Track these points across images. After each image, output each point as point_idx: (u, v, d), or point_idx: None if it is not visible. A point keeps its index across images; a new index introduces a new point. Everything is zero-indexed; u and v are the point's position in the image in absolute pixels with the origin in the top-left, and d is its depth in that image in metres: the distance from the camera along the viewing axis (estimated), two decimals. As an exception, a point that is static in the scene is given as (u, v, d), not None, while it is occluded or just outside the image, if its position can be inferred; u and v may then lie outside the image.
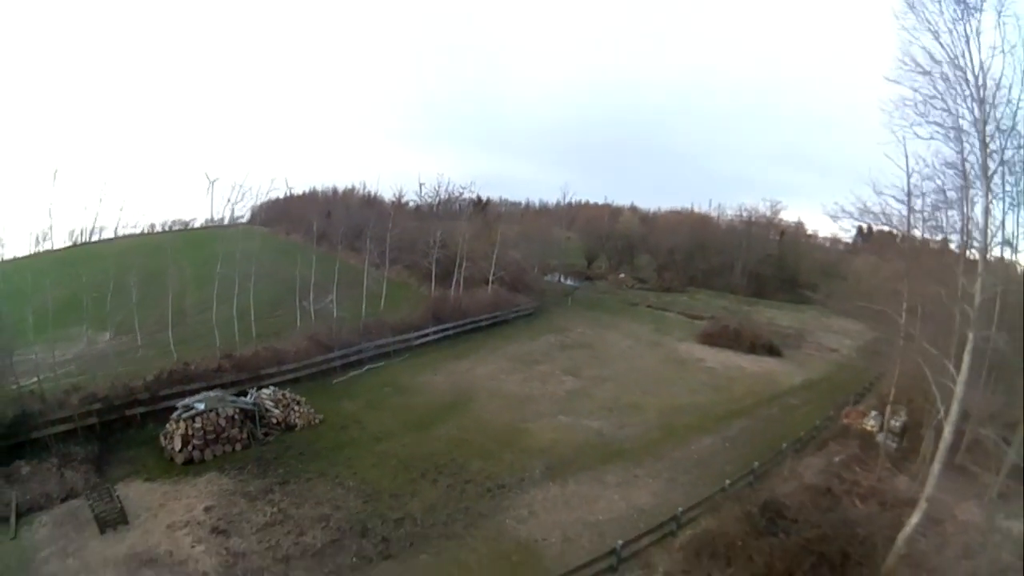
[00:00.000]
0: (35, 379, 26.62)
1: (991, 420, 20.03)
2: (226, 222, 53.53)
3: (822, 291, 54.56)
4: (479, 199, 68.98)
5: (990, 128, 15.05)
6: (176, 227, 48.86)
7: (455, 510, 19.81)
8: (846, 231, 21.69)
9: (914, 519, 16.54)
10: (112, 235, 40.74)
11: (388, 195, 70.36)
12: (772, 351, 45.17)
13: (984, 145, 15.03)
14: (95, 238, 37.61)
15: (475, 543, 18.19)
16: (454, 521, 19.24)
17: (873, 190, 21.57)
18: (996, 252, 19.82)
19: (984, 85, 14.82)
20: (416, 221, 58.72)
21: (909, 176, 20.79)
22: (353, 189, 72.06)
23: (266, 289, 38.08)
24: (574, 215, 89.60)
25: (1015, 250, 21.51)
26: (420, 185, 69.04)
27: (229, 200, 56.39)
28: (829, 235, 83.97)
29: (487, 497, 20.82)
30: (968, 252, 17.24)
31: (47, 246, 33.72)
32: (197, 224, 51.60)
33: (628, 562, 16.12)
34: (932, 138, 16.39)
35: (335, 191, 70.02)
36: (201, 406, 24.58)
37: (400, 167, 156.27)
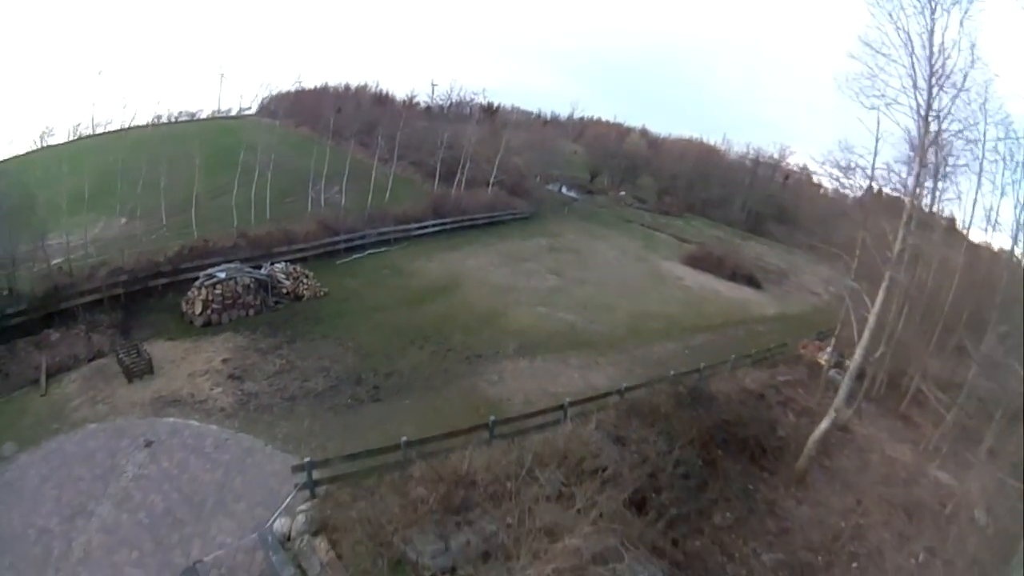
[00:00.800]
0: (61, 259, 28.69)
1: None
2: (233, 113, 54.28)
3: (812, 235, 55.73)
4: (489, 105, 69.89)
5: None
6: (183, 118, 48.95)
7: (437, 370, 23.07)
8: (852, 186, 22.99)
9: (823, 424, 19.72)
10: (117, 127, 41.40)
11: (400, 94, 70.71)
12: (752, 282, 47.13)
13: (924, 121, 17.61)
14: (99, 131, 37.37)
15: (450, 395, 21.46)
16: (435, 378, 22.50)
17: (840, 147, 23.49)
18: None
19: (930, 71, 17.23)
20: (426, 122, 60.00)
21: (877, 140, 22.72)
22: (365, 86, 70.87)
23: (277, 178, 40.02)
24: (582, 129, 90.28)
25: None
26: (432, 87, 68.93)
27: (238, 92, 56.72)
28: (832, 187, 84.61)
29: (465, 363, 23.99)
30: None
31: (51, 141, 34.08)
32: (204, 115, 52.02)
33: (572, 417, 19.25)
34: (873, 108, 18.77)
35: (347, 87, 68.83)
36: (222, 275, 27.49)
37: (414, 68, 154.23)
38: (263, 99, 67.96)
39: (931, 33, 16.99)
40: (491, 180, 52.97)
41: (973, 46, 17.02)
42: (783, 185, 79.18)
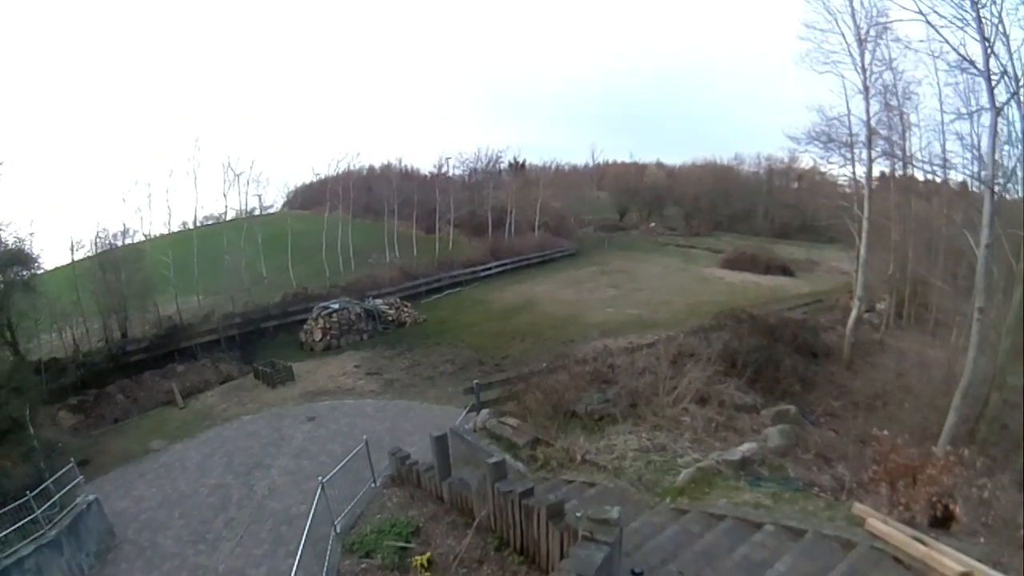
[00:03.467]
0: (173, 312, 33.92)
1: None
2: (257, 211, 54.65)
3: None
4: (516, 161, 75.34)
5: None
6: (208, 221, 50.85)
7: (541, 351, 27.43)
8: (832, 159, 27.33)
9: (853, 312, 24.28)
10: (143, 237, 42.17)
11: (427, 166, 76.06)
12: (785, 271, 50.69)
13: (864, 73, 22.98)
14: (125, 241, 37.76)
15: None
16: (541, 355, 26.69)
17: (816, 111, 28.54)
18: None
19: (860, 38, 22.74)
20: (465, 187, 64.46)
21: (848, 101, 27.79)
22: (390, 165, 73.77)
23: (340, 252, 45.72)
24: (602, 173, 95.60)
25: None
26: (449, 159, 71.41)
27: (254, 191, 58.46)
28: (847, 177, 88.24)
29: (562, 345, 28.27)
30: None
31: (79, 253, 37.22)
32: (229, 217, 51.61)
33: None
34: (826, 72, 24.28)
35: (371, 168, 72.41)
36: (335, 305, 32.83)
37: (431, 141, 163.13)
38: (288, 193, 74.41)
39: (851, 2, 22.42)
40: (536, 223, 58.34)
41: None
42: (798, 186, 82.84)
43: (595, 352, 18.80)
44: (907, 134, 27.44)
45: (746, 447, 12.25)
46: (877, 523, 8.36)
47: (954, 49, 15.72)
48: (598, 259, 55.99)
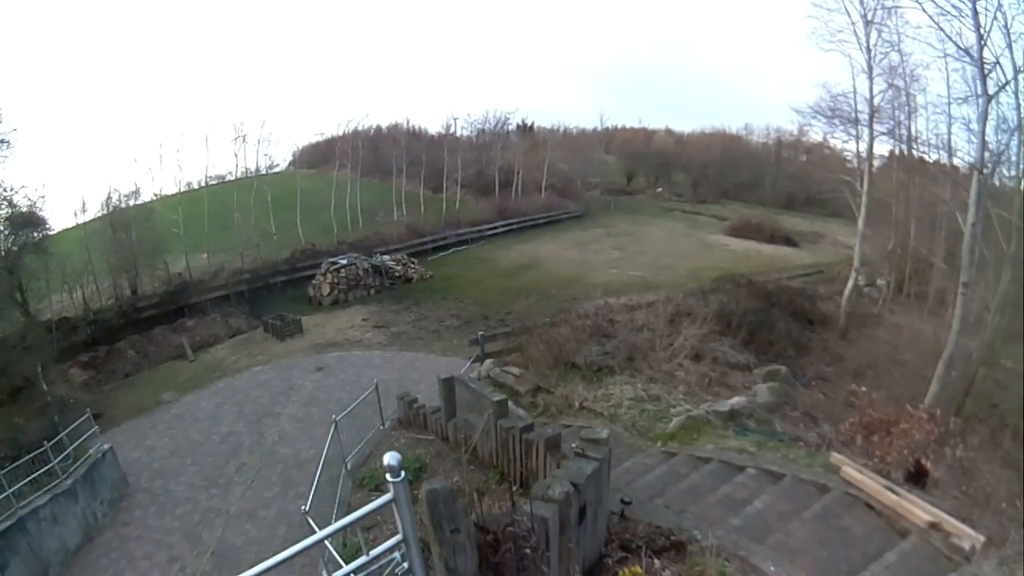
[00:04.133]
0: (182, 269, 34.64)
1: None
2: (264, 171, 54.93)
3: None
4: (525, 123, 75.14)
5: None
6: (216, 181, 50.17)
7: (545, 308, 28.03)
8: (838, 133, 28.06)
9: (849, 284, 24.90)
10: (153, 196, 42.83)
11: (435, 127, 75.68)
12: (789, 242, 50.88)
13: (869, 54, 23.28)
14: (135, 201, 38.24)
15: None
16: (545, 312, 27.36)
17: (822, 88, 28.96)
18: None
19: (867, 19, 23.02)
20: (472, 147, 64.66)
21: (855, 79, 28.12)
22: (398, 125, 73.61)
23: (349, 211, 46.05)
24: (611, 137, 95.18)
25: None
26: (456, 119, 70.75)
27: (264, 151, 57.22)
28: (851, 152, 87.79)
29: (565, 303, 28.77)
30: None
31: (90, 214, 36.93)
32: (236, 176, 52.72)
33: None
34: (831, 50, 24.74)
35: (379, 128, 71.52)
36: (343, 261, 33.44)
37: (440, 102, 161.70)
38: (294, 152, 73.73)
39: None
40: (543, 185, 58.62)
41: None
42: (806, 159, 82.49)
43: (596, 308, 19.44)
44: (913, 115, 27.77)
45: (736, 400, 12.98)
46: (851, 471, 9.03)
47: (948, 38, 16.19)
48: (604, 222, 56.26)
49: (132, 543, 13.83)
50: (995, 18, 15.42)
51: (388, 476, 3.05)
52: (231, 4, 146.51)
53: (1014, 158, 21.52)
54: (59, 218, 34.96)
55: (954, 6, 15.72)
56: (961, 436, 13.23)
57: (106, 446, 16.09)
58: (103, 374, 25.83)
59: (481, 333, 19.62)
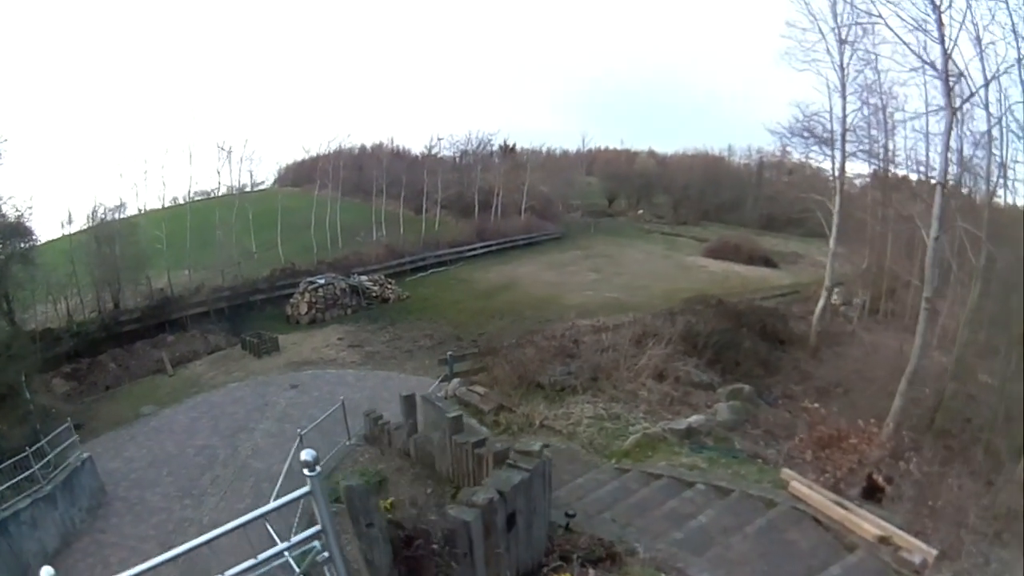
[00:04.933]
0: (164, 285, 34.62)
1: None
2: (248, 188, 54.00)
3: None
4: (507, 144, 75.41)
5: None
6: (200, 197, 49.65)
7: (518, 330, 28.04)
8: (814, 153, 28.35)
9: (820, 303, 25.16)
10: (137, 211, 42.33)
11: (418, 147, 74.09)
12: (768, 263, 51.60)
13: (842, 70, 23.76)
14: (120, 215, 38.14)
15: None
16: (516, 333, 27.49)
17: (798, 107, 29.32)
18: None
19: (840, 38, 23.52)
20: (453, 169, 65.03)
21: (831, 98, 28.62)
22: (381, 145, 72.99)
23: (328, 230, 46.23)
24: (593, 159, 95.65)
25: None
26: (441, 139, 70.49)
27: (247, 168, 57.10)
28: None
29: (539, 325, 28.66)
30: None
31: (75, 226, 36.12)
32: (223, 192, 51.06)
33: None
34: (804, 70, 25.16)
35: (362, 147, 70.85)
36: (321, 280, 33.58)
37: (424, 120, 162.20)
38: (279, 170, 73.47)
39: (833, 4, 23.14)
40: (523, 206, 59.00)
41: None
42: (788, 180, 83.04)
43: (564, 330, 19.59)
44: (890, 133, 28.24)
45: (694, 418, 13.14)
46: (800, 486, 9.15)
47: (912, 51, 16.45)
48: (583, 243, 56.59)
49: (108, 549, 14.00)
50: (962, 27, 15.72)
51: (305, 471, 3.19)
52: (217, 21, 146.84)
53: (981, 172, 21.99)
54: (45, 229, 34.70)
55: (918, 20, 15.94)
56: (915, 450, 13.43)
57: (85, 455, 16.44)
58: (85, 386, 26.19)
59: (450, 353, 19.74)
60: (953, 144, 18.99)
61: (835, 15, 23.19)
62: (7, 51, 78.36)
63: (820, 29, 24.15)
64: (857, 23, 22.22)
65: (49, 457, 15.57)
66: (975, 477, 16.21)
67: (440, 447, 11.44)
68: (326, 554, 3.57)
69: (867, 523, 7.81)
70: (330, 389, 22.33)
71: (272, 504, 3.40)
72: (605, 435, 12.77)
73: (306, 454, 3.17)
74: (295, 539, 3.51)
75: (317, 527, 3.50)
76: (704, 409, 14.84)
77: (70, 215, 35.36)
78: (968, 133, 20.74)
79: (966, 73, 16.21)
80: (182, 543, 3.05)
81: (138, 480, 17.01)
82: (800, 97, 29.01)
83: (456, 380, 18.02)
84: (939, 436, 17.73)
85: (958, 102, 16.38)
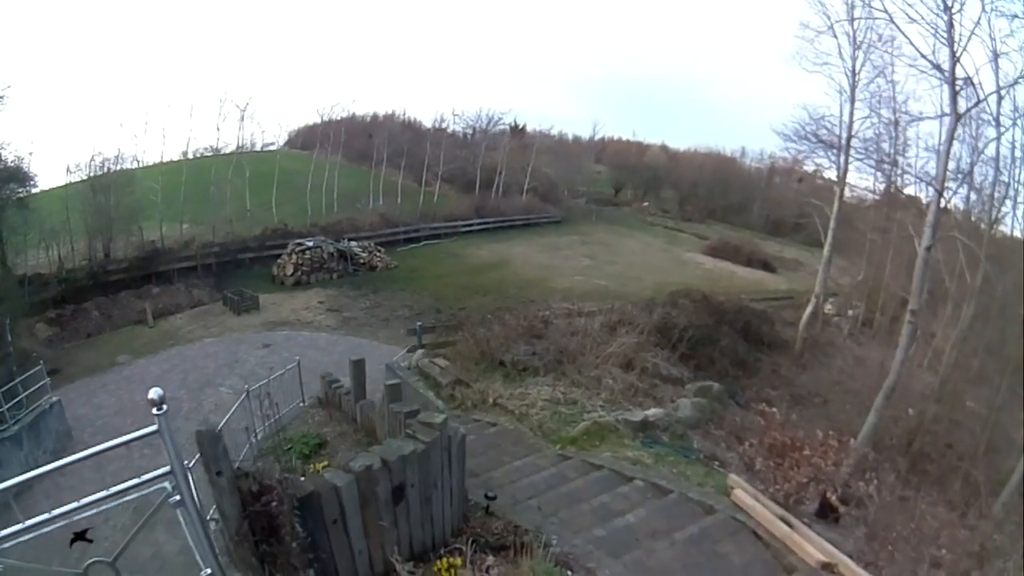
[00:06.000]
0: (156, 238, 34.20)
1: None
2: (258, 147, 53.70)
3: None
4: (516, 124, 74.51)
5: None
6: (207, 153, 47.56)
7: (499, 308, 27.83)
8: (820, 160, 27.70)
9: (808, 309, 24.57)
10: (137, 163, 40.37)
11: (427, 119, 73.23)
12: (766, 266, 50.95)
13: (853, 75, 22.98)
14: (119, 166, 36.59)
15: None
16: (499, 312, 27.30)
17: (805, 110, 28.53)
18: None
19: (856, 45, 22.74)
20: (457, 144, 63.65)
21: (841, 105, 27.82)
22: (393, 114, 72.88)
23: (324, 197, 45.26)
24: (603, 147, 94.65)
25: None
26: (455, 114, 70.87)
27: (258, 127, 56.40)
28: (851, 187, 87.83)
29: (521, 305, 28.21)
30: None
31: (74, 175, 36.01)
32: (228, 150, 48.97)
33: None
34: (815, 72, 24.33)
35: (375, 116, 70.93)
36: (309, 243, 33.09)
37: (439, 93, 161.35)
38: (290, 132, 71.22)
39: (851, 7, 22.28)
40: (525, 187, 58.27)
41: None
42: (798, 188, 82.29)
43: (537, 309, 19.04)
44: (898, 143, 27.41)
45: (652, 412, 12.63)
46: (743, 495, 8.58)
47: (920, 53, 15.76)
48: (583, 229, 56.05)
49: (65, 492, 13.56)
50: (973, 34, 14.99)
51: (153, 410, 3.30)
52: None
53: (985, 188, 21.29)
54: (46, 176, 34.06)
55: (928, 21, 15.20)
56: (880, 471, 12.90)
57: (54, 399, 16.87)
58: (67, 331, 26.17)
59: (420, 324, 19.28)
60: (961, 156, 18.42)
61: (851, 18, 22.33)
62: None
63: (834, 31, 23.30)
64: (869, 16, 21.35)
65: (21, 398, 15.81)
66: (950, 507, 15.78)
67: (380, 414, 11.04)
68: (177, 497, 3.61)
69: (812, 545, 7.23)
70: (300, 351, 21.97)
71: (117, 440, 3.40)
72: (557, 419, 12.26)
73: (153, 392, 3.26)
74: (145, 477, 3.56)
75: (166, 468, 3.56)
76: (668, 403, 14.32)
77: (70, 164, 34.75)
78: (975, 149, 20.15)
79: (976, 81, 15.48)
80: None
81: (104, 427, 17.20)
82: (811, 102, 27.82)
83: (420, 351, 17.54)
84: (917, 459, 17.28)
85: (963, 109, 15.68)
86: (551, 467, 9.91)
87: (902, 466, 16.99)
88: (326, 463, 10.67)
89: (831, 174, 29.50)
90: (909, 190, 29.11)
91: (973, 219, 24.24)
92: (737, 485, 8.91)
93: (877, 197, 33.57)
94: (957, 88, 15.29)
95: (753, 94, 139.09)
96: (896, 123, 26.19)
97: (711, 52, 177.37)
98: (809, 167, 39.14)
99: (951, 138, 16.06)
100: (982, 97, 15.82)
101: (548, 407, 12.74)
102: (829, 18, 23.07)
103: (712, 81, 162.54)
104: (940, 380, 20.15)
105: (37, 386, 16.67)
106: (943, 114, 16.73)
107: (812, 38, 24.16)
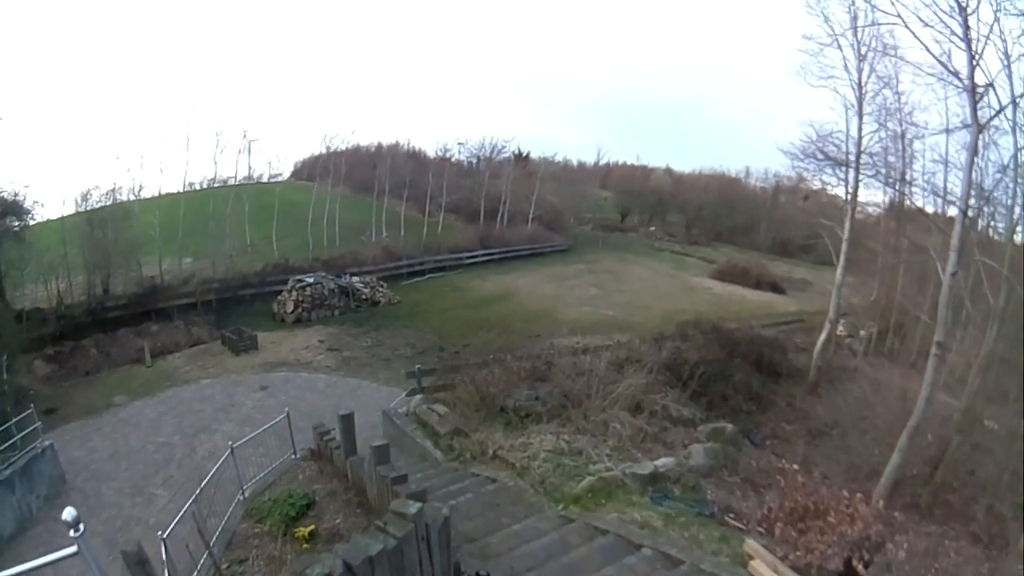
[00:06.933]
0: (155, 273, 33.88)
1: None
2: (265, 179, 54.89)
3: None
4: (520, 152, 74.40)
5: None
6: (215, 184, 48.43)
7: (504, 343, 26.92)
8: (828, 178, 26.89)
9: (822, 336, 23.74)
10: (133, 196, 40.23)
11: (431, 149, 73.69)
12: (776, 288, 50.27)
13: (859, 90, 22.29)
14: (116, 199, 37.04)
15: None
16: (503, 347, 26.52)
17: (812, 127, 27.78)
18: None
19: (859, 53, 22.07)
20: (461, 173, 64.28)
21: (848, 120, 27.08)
22: (397, 144, 73.66)
23: (327, 228, 44.96)
24: (608, 172, 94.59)
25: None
26: (459, 144, 71.41)
27: (264, 159, 56.82)
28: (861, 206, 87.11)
29: (527, 339, 27.95)
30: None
31: (68, 209, 35.61)
32: (230, 182, 49.44)
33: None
34: (820, 86, 23.72)
35: (379, 146, 71.36)
36: (310, 279, 32.62)
37: (443, 123, 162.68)
38: (295, 163, 72.73)
39: (854, 17, 21.61)
40: (530, 216, 57.88)
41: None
42: (803, 206, 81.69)
43: (540, 349, 18.29)
44: (908, 160, 26.64)
45: (662, 462, 11.82)
46: (762, 567, 7.83)
47: (935, 57, 14.58)
48: (589, 257, 55.58)
49: (58, 539, 13.18)
50: (988, 39, 13.82)
51: (70, 532, 3.15)
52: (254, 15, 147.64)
53: (1007, 200, 20.33)
54: (41, 209, 34.10)
55: (944, 24, 14.06)
56: (905, 531, 12.01)
57: (47, 442, 16.63)
58: (65, 369, 25.96)
59: (419, 367, 18.53)
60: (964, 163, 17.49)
61: (855, 29, 21.66)
62: (13, 29, 78.00)
63: (838, 43, 22.63)
64: (876, 23, 20.50)
65: (14, 439, 15.81)
66: (973, 539, 14.78)
67: (368, 476, 10.33)
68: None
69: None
70: (298, 394, 22.15)
71: (35, 562, 3.22)
72: (561, 473, 11.47)
73: (67, 514, 3.12)
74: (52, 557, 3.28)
75: (74, 548, 3.30)
76: (679, 449, 13.51)
77: (66, 197, 34.93)
78: (990, 160, 19.28)
79: (994, 87, 14.43)
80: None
81: (97, 472, 17.21)
82: (816, 118, 26.90)
83: (418, 396, 16.82)
84: (938, 491, 16.32)
85: (984, 119, 14.63)
86: (553, 531, 9.14)
87: (925, 498, 16.16)
88: (312, 527, 10.13)
89: (839, 191, 28.60)
90: (916, 200, 28.25)
91: (988, 227, 23.38)
92: (755, 554, 8.12)
93: (882, 210, 32.67)
94: (977, 96, 14.27)
95: (756, 111, 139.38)
96: (903, 135, 25.51)
97: (714, 72, 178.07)
98: (815, 185, 37.77)
99: (974, 151, 14.96)
100: (1003, 105, 14.74)
101: (551, 458, 11.96)
102: (833, 29, 22.37)
103: (714, 99, 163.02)
104: (964, 408, 19.14)
105: (30, 429, 16.52)
106: (963, 125, 15.84)
107: (816, 52, 23.37)
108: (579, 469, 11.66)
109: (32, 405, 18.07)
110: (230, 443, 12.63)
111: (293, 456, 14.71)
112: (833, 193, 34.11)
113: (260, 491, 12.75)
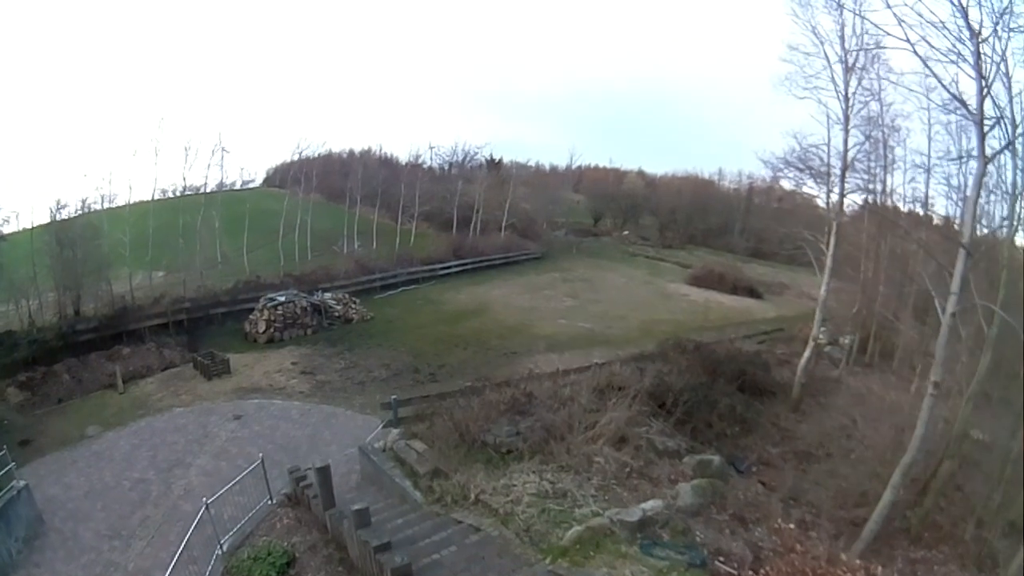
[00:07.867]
0: (126, 291, 33.05)
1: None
2: (238, 186, 55.69)
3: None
4: (492, 158, 74.15)
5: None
6: (188, 192, 48.03)
7: (480, 363, 26.94)
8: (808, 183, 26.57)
9: (807, 353, 23.60)
10: (110, 205, 40.12)
11: (404, 155, 74.49)
12: (753, 293, 49.91)
13: (846, 103, 22.09)
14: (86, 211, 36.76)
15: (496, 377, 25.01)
16: (481, 367, 26.20)
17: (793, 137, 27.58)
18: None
19: (845, 60, 21.86)
20: (433, 179, 64.08)
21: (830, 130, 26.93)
22: (370, 150, 74.20)
23: (299, 239, 44.50)
24: (581, 176, 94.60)
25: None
26: (431, 148, 72.35)
27: (236, 166, 56.86)
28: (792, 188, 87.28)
29: (503, 357, 27.81)
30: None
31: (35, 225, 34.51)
32: (208, 188, 48.33)
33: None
34: (805, 98, 23.37)
35: (351, 153, 71.79)
36: (281, 298, 31.85)
37: (415, 129, 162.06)
38: (268, 170, 72.68)
39: (841, 28, 21.42)
40: (503, 224, 57.51)
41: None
42: (778, 206, 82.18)
43: (519, 379, 17.74)
44: (890, 168, 26.58)
45: (649, 505, 11.44)
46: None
47: (944, 87, 14.06)
48: (563, 265, 55.28)
49: None
50: (998, 68, 13.13)
51: None
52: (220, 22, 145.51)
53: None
54: (7, 225, 32.97)
55: (953, 50, 13.22)
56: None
57: (22, 483, 15.93)
58: (38, 396, 25.28)
59: (394, 397, 18.06)
60: (970, 194, 17.11)
61: (842, 40, 21.42)
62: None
63: (826, 54, 22.33)
64: (878, 47, 20.02)
65: None
66: (961, 562, 14.59)
67: (350, 536, 9.86)
68: None
69: None
70: (272, 424, 21.54)
71: None
72: (546, 519, 11.07)
73: None
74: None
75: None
76: (666, 484, 13.21)
77: (42, 212, 33.78)
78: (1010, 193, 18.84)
79: (1004, 117, 13.87)
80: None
81: (74, 511, 16.62)
82: (795, 124, 26.60)
83: (395, 431, 16.29)
84: (927, 514, 16.13)
85: (989, 152, 14.02)
86: (540, 588, 8.77)
87: (914, 522, 16.03)
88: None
89: (819, 201, 28.42)
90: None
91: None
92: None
93: (855, 207, 32.63)
94: (986, 129, 13.84)
95: (729, 115, 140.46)
96: (885, 143, 25.51)
97: (688, 75, 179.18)
98: (788, 185, 37.65)
99: (979, 186, 14.45)
100: (1012, 138, 14.20)
101: (535, 502, 11.57)
102: (820, 41, 22.03)
103: (689, 102, 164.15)
104: (953, 434, 18.91)
105: (5, 469, 15.71)
106: (969, 156, 15.42)
107: (802, 62, 22.99)
108: (564, 514, 11.28)
109: (6, 440, 17.56)
110: (204, 500, 12.18)
111: (270, 501, 14.31)
112: (808, 194, 33.93)
113: (238, 543, 12.44)
